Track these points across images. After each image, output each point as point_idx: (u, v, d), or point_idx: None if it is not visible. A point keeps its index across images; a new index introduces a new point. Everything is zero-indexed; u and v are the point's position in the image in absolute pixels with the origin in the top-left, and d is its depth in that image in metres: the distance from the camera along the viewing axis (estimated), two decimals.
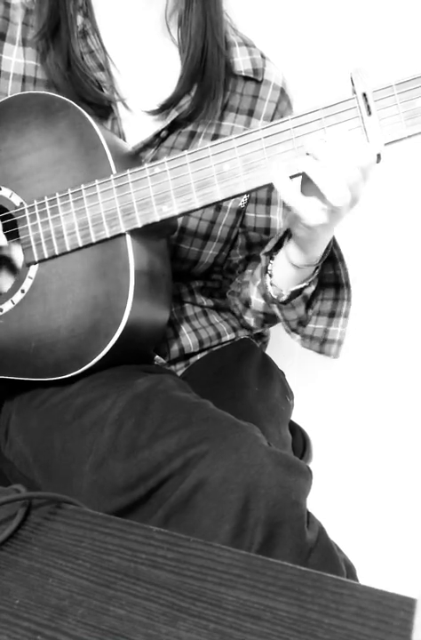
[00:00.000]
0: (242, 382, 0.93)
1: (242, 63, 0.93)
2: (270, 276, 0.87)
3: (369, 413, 1.51)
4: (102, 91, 0.87)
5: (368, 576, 0.69)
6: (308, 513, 0.69)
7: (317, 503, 0.79)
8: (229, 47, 0.93)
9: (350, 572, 0.72)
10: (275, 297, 0.87)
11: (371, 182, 0.73)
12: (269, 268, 0.87)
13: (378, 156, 0.71)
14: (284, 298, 0.86)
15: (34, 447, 0.81)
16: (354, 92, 0.70)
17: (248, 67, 0.94)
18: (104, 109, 0.88)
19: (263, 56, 0.96)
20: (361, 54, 1.21)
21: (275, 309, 0.89)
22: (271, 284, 0.87)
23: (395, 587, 0.47)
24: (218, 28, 0.89)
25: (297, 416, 1.05)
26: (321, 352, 0.91)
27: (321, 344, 0.91)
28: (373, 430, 1.51)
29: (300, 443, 1.05)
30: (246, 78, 0.94)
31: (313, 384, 1.51)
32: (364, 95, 0.69)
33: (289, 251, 0.82)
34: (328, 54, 1.30)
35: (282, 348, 1.19)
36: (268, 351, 1.08)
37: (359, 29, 1.30)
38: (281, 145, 0.72)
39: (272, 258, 0.87)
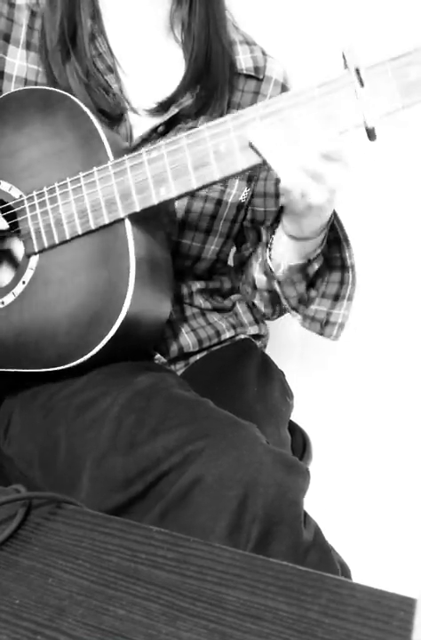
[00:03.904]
0: (242, 382, 0.93)
1: (243, 61, 0.94)
2: (269, 249, 0.87)
3: (368, 413, 1.51)
4: (113, 95, 0.87)
5: (367, 576, 0.68)
6: (305, 513, 0.69)
7: (317, 503, 0.79)
8: (231, 45, 0.93)
9: (345, 573, 0.72)
10: (274, 270, 0.87)
11: (374, 174, 0.72)
12: (270, 242, 0.87)
13: (372, 131, 0.70)
14: (282, 270, 0.86)
15: (38, 444, 0.81)
16: (347, 66, 0.70)
17: (249, 65, 0.94)
18: (117, 115, 0.88)
19: (264, 53, 0.97)
20: (357, 42, 1.21)
21: (275, 285, 0.89)
22: (270, 258, 0.87)
23: (395, 587, 0.47)
24: (222, 27, 0.90)
25: (297, 416, 1.05)
26: (321, 334, 0.92)
27: (323, 326, 0.91)
28: (373, 430, 1.51)
29: (300, 443, 1.05)
30: (248, 76, 0.94)
31: (313, 384, 1.51)
32: (357, 70, 0.69)
33: (284, 221, 0.82)
34: (326, 48, 1.30)
35: (282, 348, 1.19)
36: (268, 351, 1.08)
37: (356, 19, 1.30)
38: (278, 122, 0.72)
39: (273, 232, 0.87)
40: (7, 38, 0.88)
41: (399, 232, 1.42)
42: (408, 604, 0.43)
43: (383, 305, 1.46)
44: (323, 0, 1.35)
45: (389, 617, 0.43)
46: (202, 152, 0.74)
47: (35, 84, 0.88)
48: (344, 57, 0.70)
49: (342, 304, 0.90)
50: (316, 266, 0.86)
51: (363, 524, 1.48)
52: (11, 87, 0.88)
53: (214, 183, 0.75)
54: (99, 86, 0.86)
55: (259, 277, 0.95)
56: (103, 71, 0.88)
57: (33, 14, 0.89)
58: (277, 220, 0.87)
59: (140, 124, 0.91)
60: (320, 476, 0.82)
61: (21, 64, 0.88)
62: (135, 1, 0.88)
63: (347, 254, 0.88)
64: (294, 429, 1.04)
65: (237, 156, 0.73)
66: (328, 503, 1.10)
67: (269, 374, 0.98)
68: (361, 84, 0.69)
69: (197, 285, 1.00)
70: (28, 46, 0.89)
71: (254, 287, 0.99)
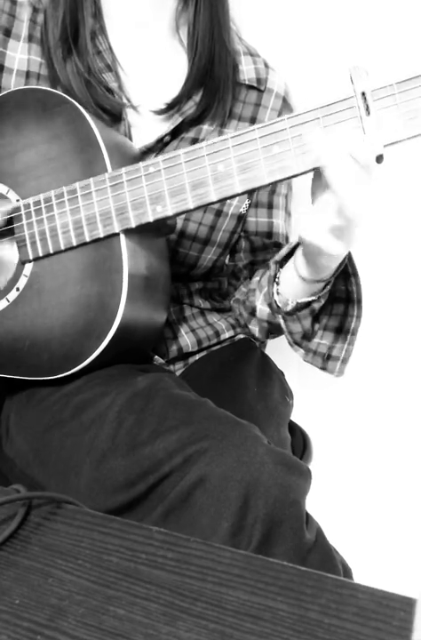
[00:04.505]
0: (241, 382, 0.93)
1: (246, 72, 0.94)
2: (277, 284, 0.85)
3: (369, 413, 1.51)
4: (112, 94, 0.87)
5: (367, 576, 0.68)
6: (307, 514, 0.69)
7: (317, 503, 0.79)
8: (235, 55, 0.93)
9: (347, 574, 0.72)
10: (280, 306, 0.85)
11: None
12: (277, 276, 0.85)
13: (379, 157, 0.68)
14: (290, 308, 0.83)
15: (33, 445, 0.81)
16: (354, 91, 0.68)
17: (252, 76, 0.94)
18: (118, 114, 0.88)
19: (266, 65, 0.97)
20: (361, 53, 1.21)
21: (280, 320, 0.87)
22: (277, 293, 0.85)
23: (395, 587, 0.47)
24: (226, 31, 0.90)
25: (297, 416, 1.05)
26: (323, 368, 0.89)
27: (325, 360, 0.88)
28: (373, 430, 1.51)
29: (300, 443, 1.05)
30: (249, 87, 0.94)
31: (314, 384, 1.51)
32: (363, 94, 0.67)
33: (298, 262, 0.79)
34: (329, 58, 1.30)
35: (282, 347, 1.19)
36: (268, 351, 1.08)
37: (360, 29, 1.30)
38: (277, 145, 0.70)
39: (282, 266, 0.85)
40: (8, 33, 0.88)
41: (398, 228, 1.42)
42: (408, 603, 0.43)
43: (381, 304, 1.46)
44: (326, 11, 1.35)
45: (389, 617, 0.43)
46: (199, 171, 0.72)
47: (38, 76, 0.88)
48: (351, 78, 0.68)
49: (345, 338, 0.87)
50: (322, 302, 0.83)
51: (363, 525, 1.48)
52: (11, 80, 0.88)
53: (211, 203, 0.74)
54: (100, 84, 0.86)
55: (262, 308, 0.93)
56: (102, 69, 0.88)
57: (35, 10, 0.89)
58: (286, 258, 0.84)
59: (139, 124, 0.90)
60: (319, 476, 0.82)
61: (22, 57, 0.88)
62: (138, 1, 0.88)
63: (354, 289, 0.85)
64: (294, 429, 1.04)
65: (235, 177, 0.71)
66: (327, 503, 1.10)
67: (269, 374, 0.98)
68: (367, 111, 0.67)
69: (196, 285, 1.00)
70: (31, 39, 0.88)
71: (252, 314, 0.97)
